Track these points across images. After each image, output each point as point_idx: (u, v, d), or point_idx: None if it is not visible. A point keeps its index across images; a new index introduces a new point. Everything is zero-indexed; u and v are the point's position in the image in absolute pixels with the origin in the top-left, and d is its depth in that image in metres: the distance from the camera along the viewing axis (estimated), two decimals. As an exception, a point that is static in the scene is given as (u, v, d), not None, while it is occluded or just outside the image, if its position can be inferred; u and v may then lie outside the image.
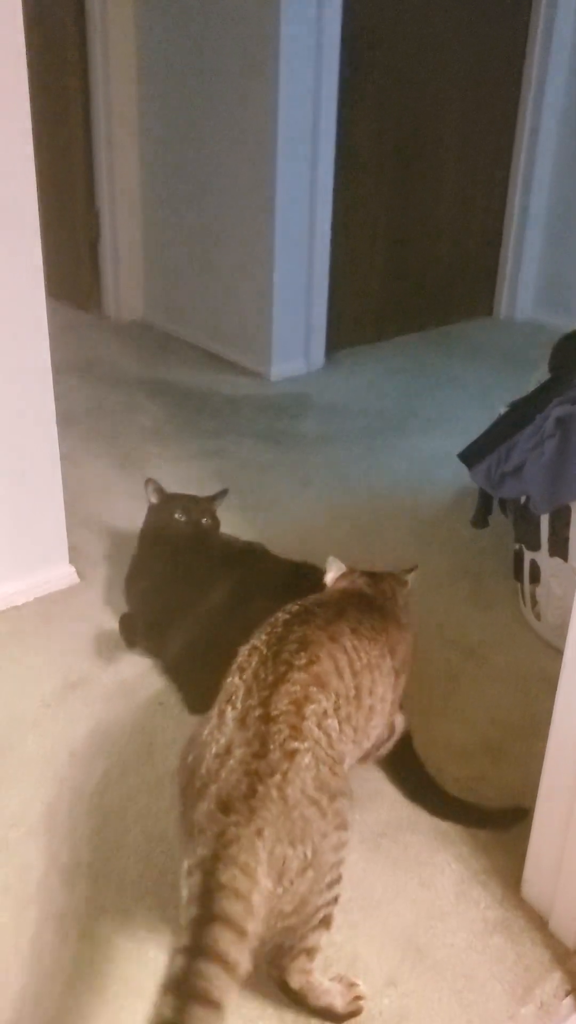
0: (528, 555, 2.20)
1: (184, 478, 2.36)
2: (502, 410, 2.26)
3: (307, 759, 1.32)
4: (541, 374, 2.34)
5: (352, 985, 1.39)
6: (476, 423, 2.33)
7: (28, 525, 2.29)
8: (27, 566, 2.32)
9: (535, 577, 2.20)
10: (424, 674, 2.03)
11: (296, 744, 1.32)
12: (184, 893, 1.18)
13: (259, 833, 1.22)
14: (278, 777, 1.28)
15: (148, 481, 2.34)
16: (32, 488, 2.25)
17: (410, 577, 1.84)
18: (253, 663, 1.43)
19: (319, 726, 1.37)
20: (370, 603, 1.69)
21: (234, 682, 1.41)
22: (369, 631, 1.58)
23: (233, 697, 1.38)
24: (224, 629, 1.87)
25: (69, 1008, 1.38)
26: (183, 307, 4.20)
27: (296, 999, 1.35)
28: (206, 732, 1.37)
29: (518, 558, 2.26)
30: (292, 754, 1.31)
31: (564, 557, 2.08)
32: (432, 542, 2.66)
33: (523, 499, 2.11)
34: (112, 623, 2.23)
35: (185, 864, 1.21)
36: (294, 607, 1.58)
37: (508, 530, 2.32)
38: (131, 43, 3.96)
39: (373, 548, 2.56)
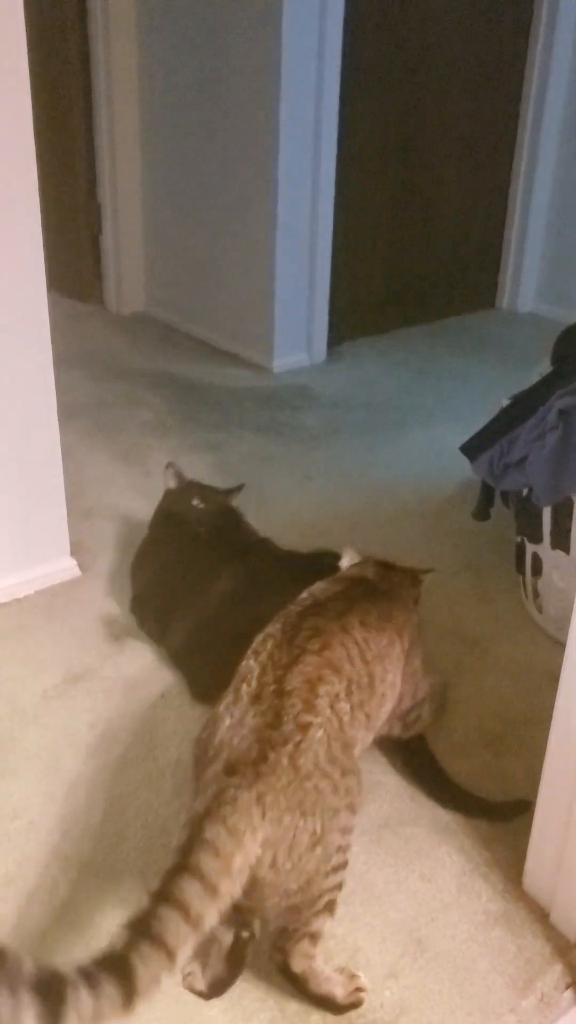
0: (530, 548, 2.20)
1: (186, 471, 2.36)
2: (504, 402, 2.25)
3: (320, 733, 1.34)
4: (543, 366, 2.33)
5: (353, 977, 1.40)
6: (478, 416, 2.33)
7: (30, 518, 2.29)
8: (29, 559, 2.32)
9: (537, 570, 2.20)
10: (426, 667, 2.03)
11: (310, 718, 1.35)
12: (173, 844, 1.21)
13: (259, 799, 1.23)
14: (290, 747, 1.30)
15: (168, 464, 2.35)
16: (34, 481, 2.25)
17: (426, 578, 1.86)
18: (268, 647, 1.46)
19: (332, 707, 1.39)
20: (375, 589, 1.71)
21: (249, 664, 1.45)
22: (377, 620, 1.60)
23: (248, 676, 1.42)
24: (234, 618, 1.88)
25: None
26: (185, 299, 4.19)
27: (298, 984, 1.36)
28: (222, 707, 1.40)
29: (520, 551, 2.26)
30: (306, 727, 1.33)
31: (566, 550, 2.08)
32: (434, 535, 2.66)
33: (525, 492, 2.11)
34: (115, 615, 2.22)
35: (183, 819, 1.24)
36: (306, 599, 1.61)
37: (510, 523, 2.32)
38: (133, 37, 3.94)
39: (375, 541, 2.55)
